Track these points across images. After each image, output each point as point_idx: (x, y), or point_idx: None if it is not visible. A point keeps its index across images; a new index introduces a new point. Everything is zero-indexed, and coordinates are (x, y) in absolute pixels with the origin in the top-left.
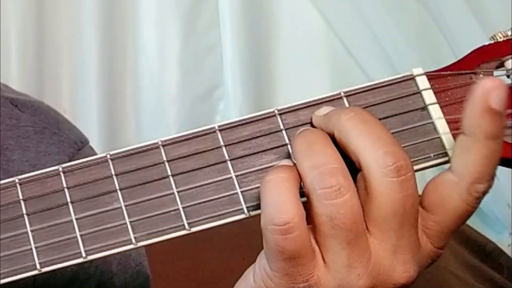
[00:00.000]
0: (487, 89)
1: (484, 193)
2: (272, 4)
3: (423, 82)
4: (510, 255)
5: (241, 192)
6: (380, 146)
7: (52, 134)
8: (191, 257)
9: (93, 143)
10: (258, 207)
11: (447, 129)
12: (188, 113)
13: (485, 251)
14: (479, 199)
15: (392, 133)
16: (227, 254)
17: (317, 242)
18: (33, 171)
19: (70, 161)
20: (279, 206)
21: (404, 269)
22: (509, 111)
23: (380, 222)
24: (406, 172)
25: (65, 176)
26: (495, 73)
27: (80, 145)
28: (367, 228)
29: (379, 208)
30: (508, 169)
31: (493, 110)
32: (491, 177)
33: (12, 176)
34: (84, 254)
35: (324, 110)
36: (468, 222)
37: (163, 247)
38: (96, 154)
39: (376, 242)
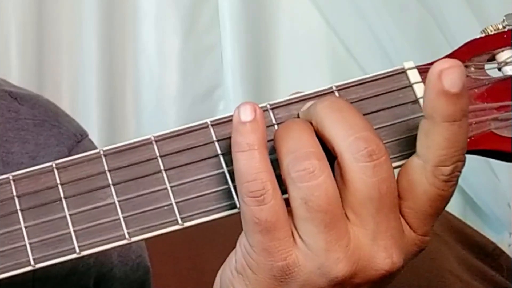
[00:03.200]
0: (440, 70)
1: (453, 175)
2: (272, 4)
3: (414, 76)
4: (510, 255)
5: (234, 186)
6: (352, 133)
7: (52, 127)
8: (191, 257)
9: None
10: None
11: None
12: (188, 113)
13: (485, 251)
14: (448, 182)
15: (383, 126)
16: (227, 254)
17: (295, 226)
18: (33, 163)
19: (69, 153)
20: (254, 175)
21: (386, 255)
22: (508, 102)
23: (357, 208)
24: (379, 156)
25: (58, 172)
26: (486, 66)
27: (79, 138)
28: (346, 215)
29: (354, 193)
30: (508, 170)
31: (447, 92)
32: (459, 159)
33: (12, 168)
34: (77, 250)
35: (310, 103)
36: (468, 222)
37: (163, 247)
38: (95, 146)
39: (356, 228)
